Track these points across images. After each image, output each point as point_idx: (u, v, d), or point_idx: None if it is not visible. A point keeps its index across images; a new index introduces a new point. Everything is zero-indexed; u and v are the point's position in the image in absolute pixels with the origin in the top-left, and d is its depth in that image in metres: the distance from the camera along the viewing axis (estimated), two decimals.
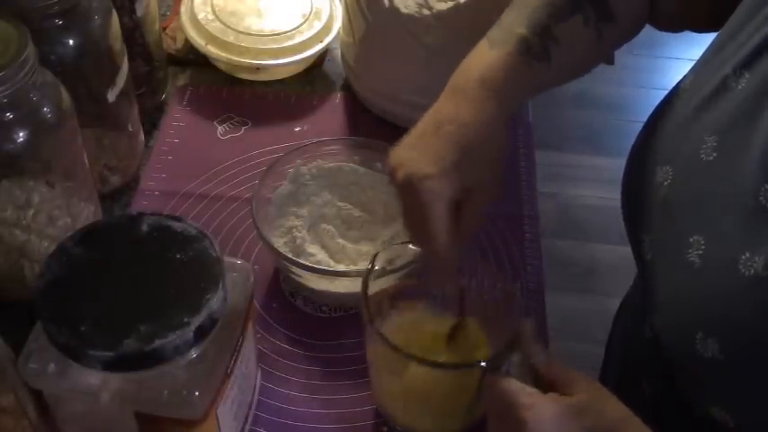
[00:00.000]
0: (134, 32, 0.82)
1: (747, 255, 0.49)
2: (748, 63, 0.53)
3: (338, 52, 0.96)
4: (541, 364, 0.55)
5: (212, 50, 0.91)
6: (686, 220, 0.54)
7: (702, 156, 0.54)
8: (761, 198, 0.49)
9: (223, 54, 0.90)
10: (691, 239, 0.53)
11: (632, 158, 0.62)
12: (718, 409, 0.52)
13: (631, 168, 0.62)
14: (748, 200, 0.50)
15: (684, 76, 0.60)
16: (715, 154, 0.53)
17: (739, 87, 0.53)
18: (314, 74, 0.97)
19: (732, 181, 0.52)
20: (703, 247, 0.52)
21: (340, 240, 0.75)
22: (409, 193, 0.59)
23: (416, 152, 0.60)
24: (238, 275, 0.58)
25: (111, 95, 0.75)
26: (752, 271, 0.48)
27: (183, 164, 0.86)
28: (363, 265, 0.71)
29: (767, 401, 0.49)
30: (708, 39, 0.61)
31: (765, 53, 0.52)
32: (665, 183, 0.56)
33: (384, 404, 0.66)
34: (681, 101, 0.59)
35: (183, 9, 0.93)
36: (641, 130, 0.62)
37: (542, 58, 0.61)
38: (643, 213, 0.59)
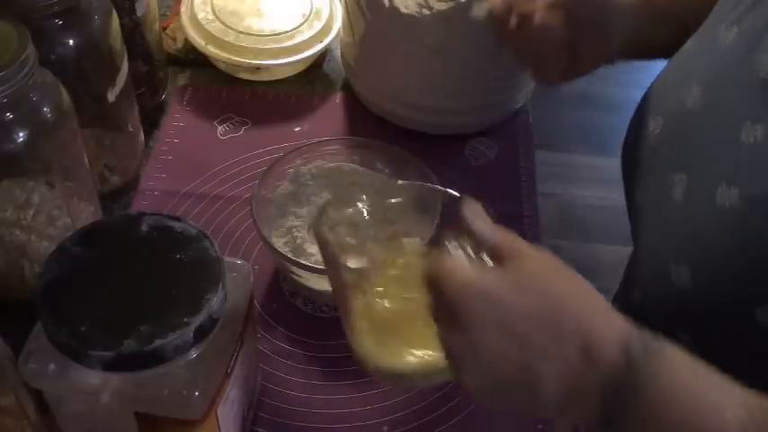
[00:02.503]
0: (134, 32, 0.82)
1: (724, 187, 0.51)
2: (738, 19, 0.56)
3: (338, 52, 0.96)
4: (486, 239, 0.50)
5: (212, 50, 0.91)
6: (671, 161, 0.57)
7: (688, 105, 0.57)
8: (742, 135, 0.52)
9: (223, 54, 0.90)
10: (675, 178, 0.55)
11: (631, 119, 0.65)
12: (687, 337, 0.54)
13: (629, 126, 0.65)
14: (730, 137, 0.52)
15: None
16: (700, 101, 0.56)
17: (727, 42, 0.56)
18: (314, 74, 0.97)
19: (716, 123, 0.54)
20: (685, 184, 0.55)
21: None
22: None
23: None
24: (238, 275, 0.58)
25: (111, 95, 0.75)
26: (727, 203, 0.51)
27: (183, 164, 0.86)
28: None
29: (730, 329, 0.51)
30: None
31: (753, 10, 0.54)
32: (655, 132, 0.59)
33: (357, 342, 0.59)
34: (677, 60, 0.62)
35: (183, 9, 0.93)
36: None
37: None
38: (636, 166, 0.61)
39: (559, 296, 0.47)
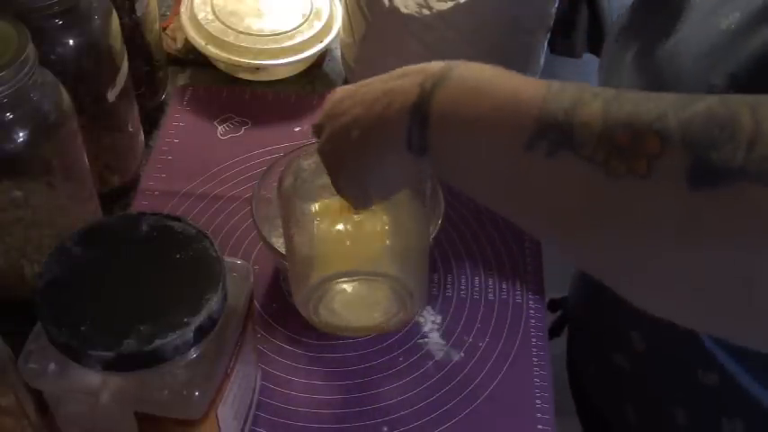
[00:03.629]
0: (134, 32, 0.82)
1: (663, 40, 0.57)
2: None
3: (338, 52, 0.96)
4: None
5: (212, 50, 0.91)
6: (629, 35, 0.63)
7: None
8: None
9: (223, 54, 0.90)
10: (629, 45, 0.62)
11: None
12: None
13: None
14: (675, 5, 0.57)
15: None
16: None
17: None
18: (314, 74, 0.97)
19: None
20: (634, 51, 0.61)
21: None
22: None
23: None
24: (238, 275, 0.58)
25: (111, 95, 0.75)
26: (659, 51, 0.57)
27: (183, 164, 0.86)
28: None
29: None
30: None
31: None
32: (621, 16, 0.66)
33: (307, 296, 0.63)
34: None
35: (183, 9, 0.93)
36: None
37: None
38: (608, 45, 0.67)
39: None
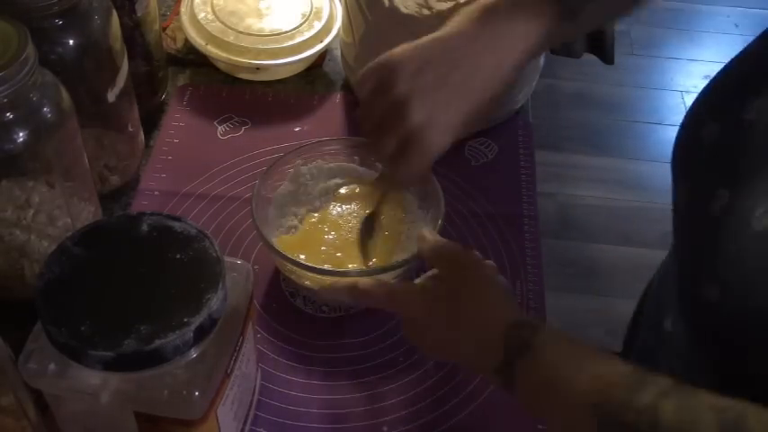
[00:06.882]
0: (134, 32, 0.82)
1: (762, 210, 0.50)
2: None
3: (338, 52, 0.96)
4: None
5: (212, 50, 0.91)
6: (717, 174, 0.56)
7: (745, 116, 0.55)
8: None
9: (223, 54, 0.90)
10: (717, 193, 0.55)
11: (684, 119, 0.63)
12: (718, 349, 0.56)
13: (682, 127, 0.63)
14: None
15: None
16: (755, 114, 0.54)
17: None
18: (314, 74, 0.97)
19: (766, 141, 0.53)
20: (726, 200, 0.54)
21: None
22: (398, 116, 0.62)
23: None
24: (238, 275, 0.58)
25: (111, 95, 0.75)
26: (761, 226, 0.50)
27: (183, 164, 0.86)
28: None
29: (759, 345, 0.51)
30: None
31: None
32: (709, 138, 0.58)
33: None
34: (742, 63, 0.60)
35: (183, 9, 0.93)
36: (707, 84, 0.63)
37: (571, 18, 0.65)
38: (686, 166, 0.61)
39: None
